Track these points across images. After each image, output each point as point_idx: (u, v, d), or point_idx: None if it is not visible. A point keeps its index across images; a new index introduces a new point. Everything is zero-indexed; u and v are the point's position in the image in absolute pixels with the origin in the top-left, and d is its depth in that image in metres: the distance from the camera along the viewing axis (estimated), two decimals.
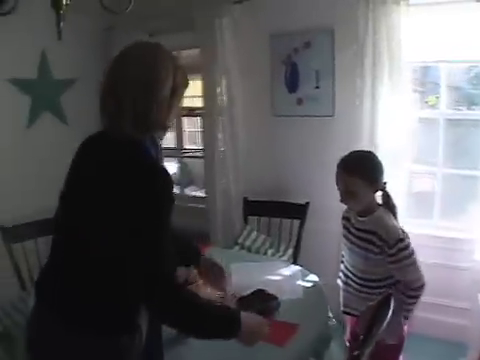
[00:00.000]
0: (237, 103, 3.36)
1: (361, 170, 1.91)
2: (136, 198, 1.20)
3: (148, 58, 1.29)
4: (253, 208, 3.28)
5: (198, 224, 3.77)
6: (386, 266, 1.92)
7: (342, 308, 2.10)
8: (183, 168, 5.88)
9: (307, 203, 3.03)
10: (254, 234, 3.22)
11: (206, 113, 3.49)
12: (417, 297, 1.90)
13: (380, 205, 2.00)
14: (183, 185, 4.59)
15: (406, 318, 1.93)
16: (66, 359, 1.25)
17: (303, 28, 3.02)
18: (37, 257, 2.67)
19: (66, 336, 1.24)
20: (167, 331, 1.65)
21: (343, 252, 2.16)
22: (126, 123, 1.27)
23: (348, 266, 2.09)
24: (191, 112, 4.11)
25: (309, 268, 2.39)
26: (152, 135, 1.36)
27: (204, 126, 3.56)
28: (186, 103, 4.00)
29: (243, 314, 1.36)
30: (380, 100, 2.75)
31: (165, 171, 1.25)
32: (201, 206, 3.81)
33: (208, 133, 3.51)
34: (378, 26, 2.63)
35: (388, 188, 1.99)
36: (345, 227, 2.10)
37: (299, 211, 3.09)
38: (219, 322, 1.32)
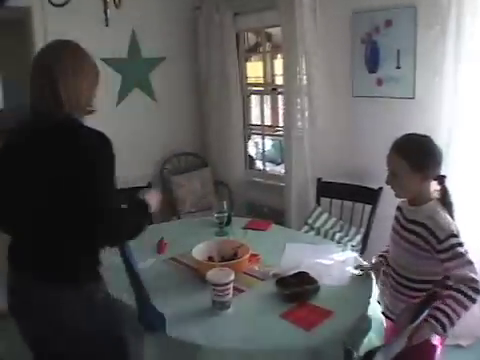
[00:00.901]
0: (316, 82, 3.31)
1: (410, 153, 1.78)
2: (94, 163, 1.47)
3: (75, 52, 1.56)
4: (326, 189, 3.26)
5: (277, 201, 3.84)
6: (429, 267, 1.76)
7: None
8: (275, 146, 5.97)
9: (380, 188, 2.93)
10: (325, 216, 3.21)
11: (286, 91, 3.50)
12: (474, 300, 1.62)
13: (436, 199, 1.84)
14: (264, 161, 4.65)
15: (443, 328, 1.58)
16: (40, 309, 1.51)
17: (385, 5, 2.86)
18: None
19: (37, 289, 1.50)
20: (203, 304, 1.79)
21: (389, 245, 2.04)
22: (58, 105, 1.49)
23: (390, 261, 1.96)
24: (274, 91, 4.13)
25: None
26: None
27: (284, 105, 3.57)
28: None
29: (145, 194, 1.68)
30: (462, 82, 2.54)
31: (106, 137, 1.53)
32: (282, 184, 3.86)
33: (287, 112, 3.52)
34: None
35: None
36: (396, 218, 1.97)
37: (372, 196, 3.00)
38: (140, 215, 1.63)
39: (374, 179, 2.99)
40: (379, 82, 3.01)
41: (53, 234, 1.50)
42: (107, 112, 3.71)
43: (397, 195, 1.91)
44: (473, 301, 1.61)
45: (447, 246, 1.68)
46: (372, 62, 3.00)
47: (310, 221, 3.20)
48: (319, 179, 3.28)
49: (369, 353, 1.63)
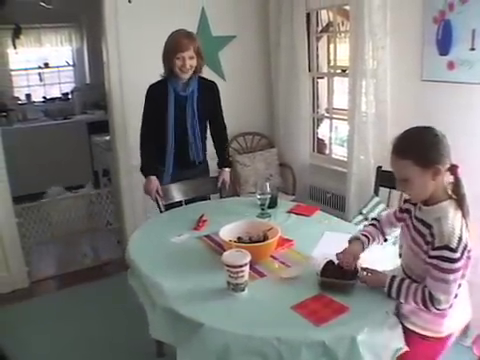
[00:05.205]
0: (383, 65, 3.11)
1: (413, 150, 1.59)
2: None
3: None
4: (386, 179, 3.07)
5: (341, 187, 3.71)
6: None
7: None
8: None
9: None
10: (381, 207, 3.03)
11: (351, 73, 3.33)
12: (426, 307, 1.59)
13: (451, 197, 1.65)
14: (330, 145, 4.46)
15: (390, 292, 1.68)
16: None
17: None
18: None
19: None
20: (219, 284, 1.80)
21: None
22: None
23: (402, 261, 1.80)
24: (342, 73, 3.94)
25: None
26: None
27: (349, 88, 3.40)
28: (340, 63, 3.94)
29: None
30: None
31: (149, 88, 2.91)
32: (345, 170, 3.71)
33: (352, 95, 3.35)
34: None
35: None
36: (408, 211, 1.81)
37: None
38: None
39: None
40: (451, 65, 2.74)
41: None
42: None
43: (415, 200, 1.76)
44: (425, 307, 1.60)
45: (437, 254, 1.54)
46: (444, 43, 2.74)
47: (365, 211, 3.05)
48: (379, 167, 3.10)
49: None
